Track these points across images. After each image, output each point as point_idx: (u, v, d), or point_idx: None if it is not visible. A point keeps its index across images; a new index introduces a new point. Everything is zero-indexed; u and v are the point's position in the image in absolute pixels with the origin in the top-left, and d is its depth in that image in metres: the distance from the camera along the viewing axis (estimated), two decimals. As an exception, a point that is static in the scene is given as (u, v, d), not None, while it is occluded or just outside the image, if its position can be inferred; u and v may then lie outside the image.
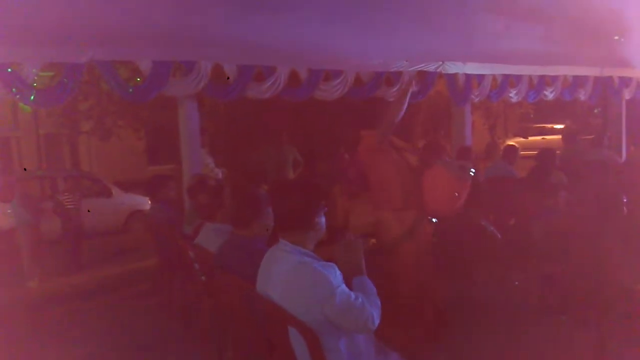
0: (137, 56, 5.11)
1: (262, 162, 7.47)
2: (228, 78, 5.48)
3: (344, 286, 2.06)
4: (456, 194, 3.62)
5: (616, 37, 8.62)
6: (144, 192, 8.39)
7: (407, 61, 6.40)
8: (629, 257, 3.23)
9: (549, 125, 19.60)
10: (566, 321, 3.75)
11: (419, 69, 6.47)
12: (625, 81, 8.69)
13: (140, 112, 11.22)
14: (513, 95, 7.32)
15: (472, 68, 6.86)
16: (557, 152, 6.23)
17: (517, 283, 3.64)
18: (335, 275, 2.06)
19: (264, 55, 5.68)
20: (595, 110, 17.26)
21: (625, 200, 3.33)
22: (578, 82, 7.96)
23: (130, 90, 5.16)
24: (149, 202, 5.83)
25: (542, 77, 7.51)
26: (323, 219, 2.21)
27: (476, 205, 4.58)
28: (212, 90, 5.55)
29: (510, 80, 7.27)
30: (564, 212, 4.20)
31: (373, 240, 7.53)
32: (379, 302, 2.15)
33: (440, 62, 6.56)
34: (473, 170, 3.85)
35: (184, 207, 5.20)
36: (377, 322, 2.09)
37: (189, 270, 3.76)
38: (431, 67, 6.53)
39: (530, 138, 19.32)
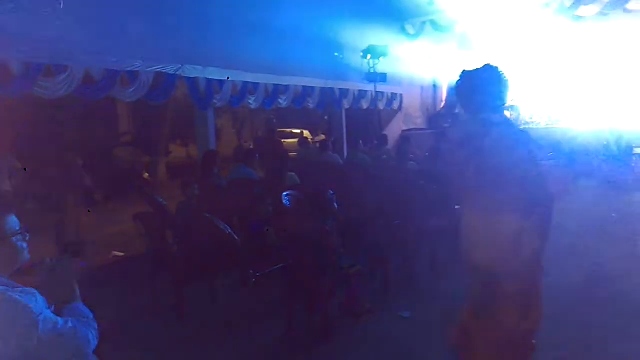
0: None
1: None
2: None
3: (48, 312, 1.79)
4: None
5: (336, 54, 9.99)
6: None
7: (143, 61, 6.12)
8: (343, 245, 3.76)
9: (289, 130, 21.45)
10: (302, 309, 4.10)
11: (157, 70, 6.24)
12: (344, 92, 10.12)
13: None
14: (252, 102, 7.72)
15: (212, 73, 6.96)
16: (291, 155, 6.80)
17: (253, 280, 3.83)
18: (37, 301, 1.77)
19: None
20: (325, 117, 19.71)
21: (331, 195, 3.83)
22: (306, 92, 8.89)
23: None
24: None
25: (276, 86, 8.13)
26: (16, 240, 1.86)
27: (217, 207, 4.65)
28: None
29: (249, 88, 7.65)
30: (294, 211, 4.59)
31: (117, 253, 6.94)
32: (96, 324, 1.94)
33: (180, 65, 6.46)
34: None
35: None
36: (93, 344, 1.89)
37: None
38: (170, 69, 6.38)
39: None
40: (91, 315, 1.97)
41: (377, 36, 10.21)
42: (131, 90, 6.13)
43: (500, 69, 2.55)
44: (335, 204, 3.88)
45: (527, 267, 2.29)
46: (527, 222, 2.26)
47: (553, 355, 3.08)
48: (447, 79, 14.88)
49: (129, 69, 5.97)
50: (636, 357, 3.30)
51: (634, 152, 9.58)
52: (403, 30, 12.60)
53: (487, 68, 2.56)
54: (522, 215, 2.26)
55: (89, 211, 7.39)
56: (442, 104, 15.02)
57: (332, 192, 3.85)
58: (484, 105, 2.46)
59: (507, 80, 2.55)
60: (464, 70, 2.58)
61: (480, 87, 2.48)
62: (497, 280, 2.28)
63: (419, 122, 14.26)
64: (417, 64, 13.39)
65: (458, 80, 2.58)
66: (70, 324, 1.82)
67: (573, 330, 3.55)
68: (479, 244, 2.39)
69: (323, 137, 15.30)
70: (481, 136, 2.35)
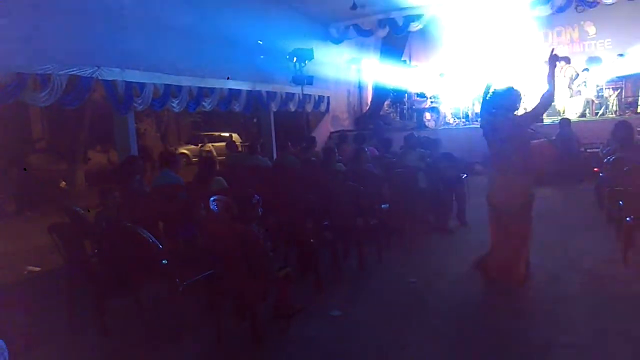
0: None
1: None
2: None
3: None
4: None
5: (262, 57, 9.94)
6: None
7: (56, 63, 5.76)
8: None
9: (217, 133, 21.08)
10: (231, 316, 4.05)
11: (71, 72, 5.91)
12: (271, 95, 10.09)
13: None
14: (175, 105, 7.51)
15: (131, 75, 6.69)
16: (219, 158, 6.68)
17: (180, 289, 3.73)
18: None
19: None
20: (255, 120, 19.55)
21: (257, 199, 3.82)
22: (232, 95, 8.78)
23: None
24: None
25: (201, 89, 7.96)
26: None
27: (140, 215, 4.47)
28: None
29: (171, 91, 7.43)
30: (222, 216, 4.51)
31: (32, 268, 6.50)
32: (7, 354, 1.83)
33: (96, 67, 6.15)
34: None
35: None
36: None
37: None
38: (86, 72, 6.06)
39: (201, 145, 20.31)
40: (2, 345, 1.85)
41: (302, 39, 10.30)
42: (43, 94, 5.74)
43: (516, 88, 4.25)
44: (260, 210, 3.86)
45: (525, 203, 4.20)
46: (525, 177, 4.15)
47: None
48: (372, 80, 15.27)
49: (40, 72, 5.60)
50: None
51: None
52: (328, 34, 12.81)
53: (509, 89, 4.21)
54: (522, 173, 4.11)
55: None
56: (368, 107, 15.39)
57: (257, 197, 3.82)
58: (506, 109, 4.17)
59: (519, 94, 4.25)
60: (495, 90, 4.23)
61: (503, 100, 4.20)
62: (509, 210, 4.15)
63: (347, 123, 14.52)
64: (342, 66, 13.65)
65: (493, 96, 4.25)
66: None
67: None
68: (500, 191, 4.18)
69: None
70: (503, 127, 4.13)
